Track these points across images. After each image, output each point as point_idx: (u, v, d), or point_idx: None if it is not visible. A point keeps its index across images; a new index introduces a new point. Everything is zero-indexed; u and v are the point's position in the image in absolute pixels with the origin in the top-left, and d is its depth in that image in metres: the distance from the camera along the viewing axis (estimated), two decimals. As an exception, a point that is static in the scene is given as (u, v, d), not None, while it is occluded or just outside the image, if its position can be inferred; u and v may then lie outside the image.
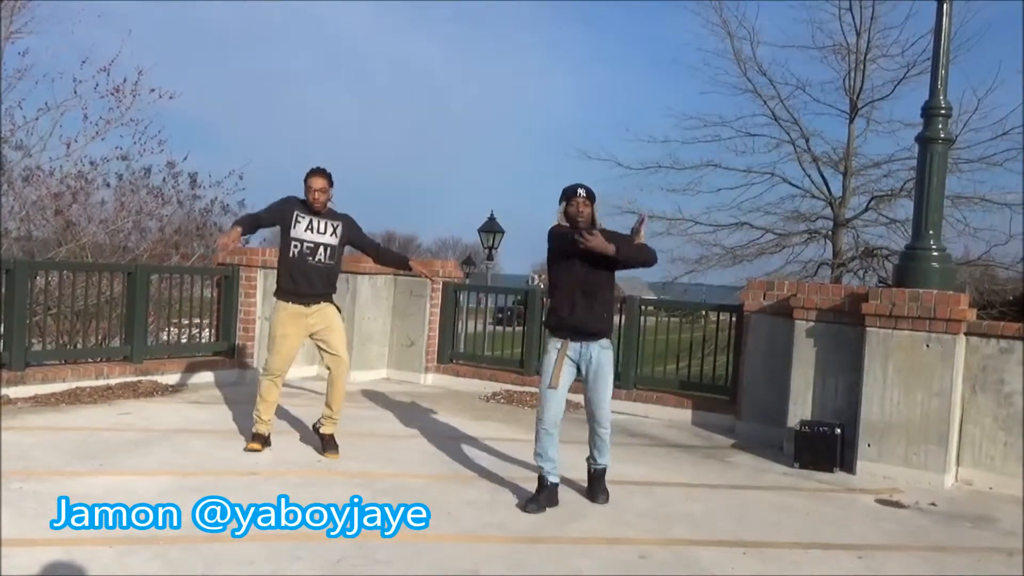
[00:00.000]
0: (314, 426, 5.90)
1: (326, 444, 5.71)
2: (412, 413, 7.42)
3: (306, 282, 5.60)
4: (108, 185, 12.22)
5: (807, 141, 17.14)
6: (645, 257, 4.88)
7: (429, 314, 9.20)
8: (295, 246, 5.58)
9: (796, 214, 17.62)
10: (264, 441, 5.71)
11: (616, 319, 8.44)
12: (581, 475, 5.48)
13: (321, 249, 5.62)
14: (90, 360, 7.72)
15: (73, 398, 6.86)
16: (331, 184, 5.64)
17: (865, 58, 16.35)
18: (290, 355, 5.70)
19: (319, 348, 5.76)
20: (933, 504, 5.47)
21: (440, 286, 9.23)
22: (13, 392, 6.68)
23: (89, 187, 11.89)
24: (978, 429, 6.09)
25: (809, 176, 17.45)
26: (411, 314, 9.27)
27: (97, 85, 11.82)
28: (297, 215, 5.60)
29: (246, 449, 5.62)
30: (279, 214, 5.61)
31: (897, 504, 5.44)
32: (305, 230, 5.59)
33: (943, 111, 6.43)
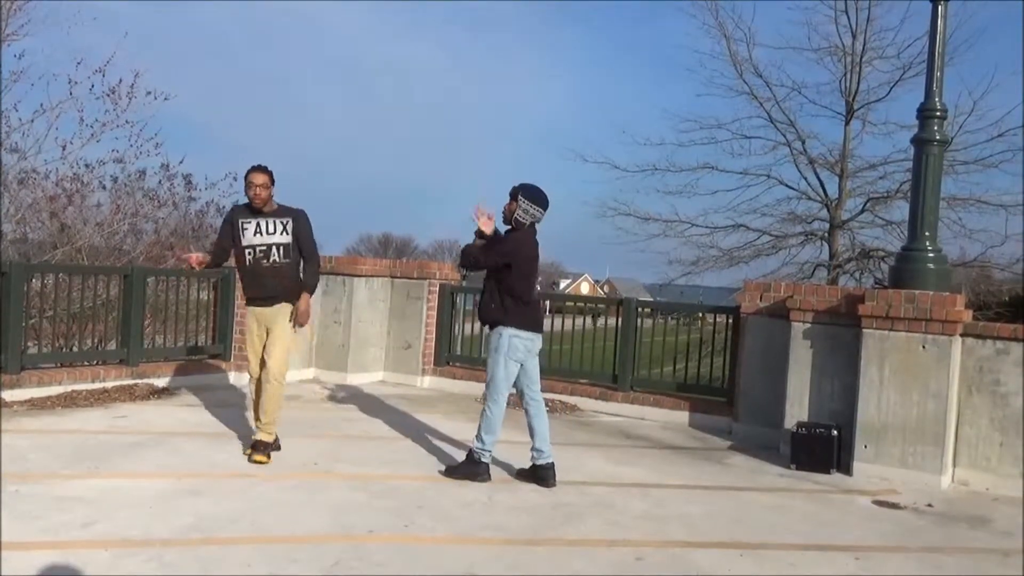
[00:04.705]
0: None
1: (253, 447, 5.50)
2: (408, 415, 7.41)
3: (264, 286, 5.58)
4: (104, 187, 12.22)
5: (803, 143, 17.11)
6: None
7: (426, 316, 9.19)
8: (248, 253, 5.56)
9: (792, 216, 17.59)
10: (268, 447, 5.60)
11: (612, 321, 8.47)
12: (579, 476, 5.49)
13: (274, 249, 5.56)
14: (86, 363, 7.70)
15: (69, 401, 6.85)
16: (272, 182, 5.59)
17: (861, 60, 16.32)
18: (261, 355, 5.65)
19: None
20: (930, 505, 5.48)
21: (437, 288, 9.23)
22: (9, 395, 6.66)
23: (85, 189, 11.87)
24: (974, 430, 6.10)
25: (805, 178, 17.42)
26: (408, 316, 9.27)
27: (92, 87, 11.81)
28: (242, 223, 5.58)
29: (251, 461, 5.43)
30: (227, 232, 5.66)
31: (894, 505, 5.45)
32: (254, 234, 5.56)
33: (939, 113, 6.44)
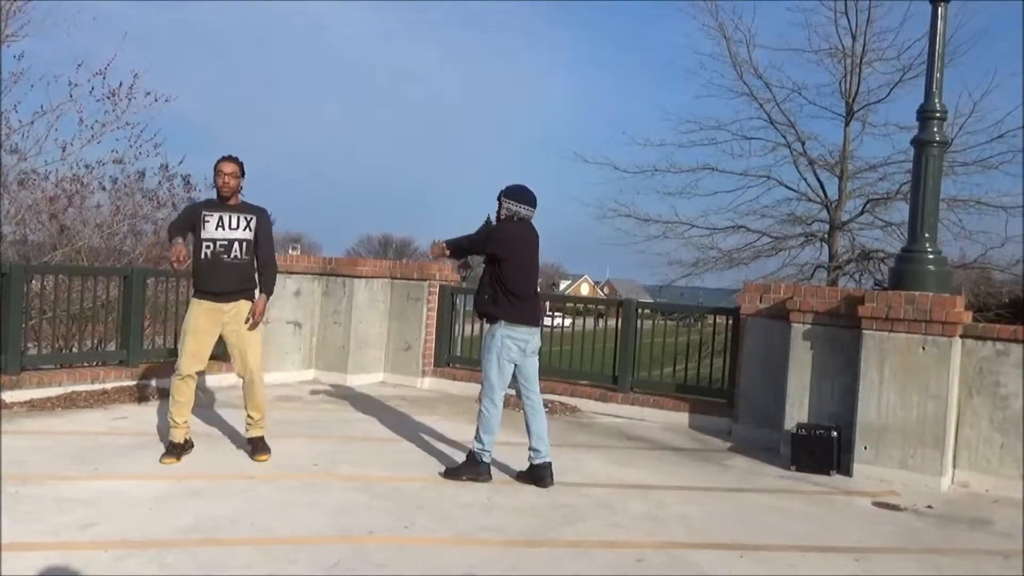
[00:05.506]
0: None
1: (255, 447, 5.56)
2: (408, 416, 7.41)
3: (223, 281, 5.43)
4: (103, 189, 12.25)
5: (803, 144, 17.14)
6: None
7: (425, 317, 9.19)
8: (207, 247, 5.42)
9: (792, 217, 17.60)
10: (180, 450, 5.42)
11: (612, 322, 8.47)
12: (579, 477, 5.49)
13: (236, 245, 5.46)
14: (86, 364, 7.69)
15: (69, 402, 6.85)
16: (243, 173, 5.51)
17: (861, 61, 16.35)
18: (200, 352, 5.44)
19: (229, 349, 5.57)
20: (929, 507, 5.48)
21: (437, 289, 9.23)
22: (9, 396, 6.65)
23: (84, 191, 11.90)
24: (974, 431, 6.10)
25: (805, 179, 17.44)
26: (407, 317, 9.27)
27: (92, 88, 11.83)
28: (204, 215, 5.45)
29: (161, 462, 5.29)
30: (188, 220, 5.54)
31: (894, 507, 5.44)
32: (216, 228, 5.44)
33: (938, 114, 6.44)
